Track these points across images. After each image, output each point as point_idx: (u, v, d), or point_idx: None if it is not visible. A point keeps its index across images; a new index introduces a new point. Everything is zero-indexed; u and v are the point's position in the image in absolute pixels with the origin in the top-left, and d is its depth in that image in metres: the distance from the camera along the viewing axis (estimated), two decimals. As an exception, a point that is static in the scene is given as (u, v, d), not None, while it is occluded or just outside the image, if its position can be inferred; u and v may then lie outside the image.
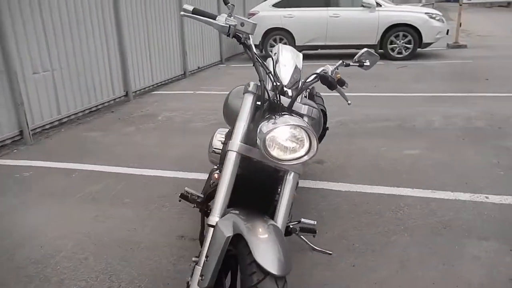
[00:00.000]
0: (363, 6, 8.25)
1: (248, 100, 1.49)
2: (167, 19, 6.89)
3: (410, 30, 8.11)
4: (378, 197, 2.76)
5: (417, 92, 5.58)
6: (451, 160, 3.30)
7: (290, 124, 1.35)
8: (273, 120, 1.42)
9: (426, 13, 8.23)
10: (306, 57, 9.04)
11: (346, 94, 1.86)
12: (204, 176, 3.20)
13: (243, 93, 1.53)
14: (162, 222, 2.60)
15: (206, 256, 1.34)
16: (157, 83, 6.71)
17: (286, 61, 1.61)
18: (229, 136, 1.88)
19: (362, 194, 2.80)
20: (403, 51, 8.28)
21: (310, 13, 8.62)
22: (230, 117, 1.82)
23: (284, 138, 1.38)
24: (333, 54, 9.41)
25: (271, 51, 1.77)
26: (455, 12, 11.02)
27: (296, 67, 1.59)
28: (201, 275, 1.33)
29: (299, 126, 1.35)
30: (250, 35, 1.59)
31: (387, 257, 2.11)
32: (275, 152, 1.40)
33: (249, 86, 1.49)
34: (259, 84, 1.49)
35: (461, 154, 3.40)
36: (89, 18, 5.08)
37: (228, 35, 1.58)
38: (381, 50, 8.40)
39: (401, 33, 8.18)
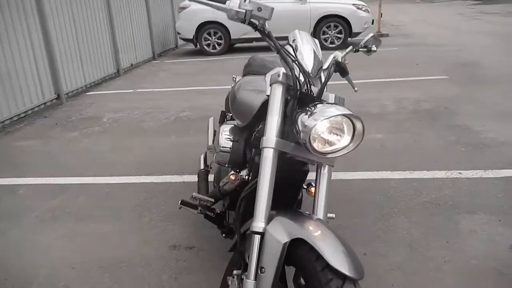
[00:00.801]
0: (295, -3, 8.39)
1: (278, 91, 1.35)
2: (95, 15, 6.32)
3: (340, 21, 8.44)
4: (361, 183, 2.78)
5: (362, 79, 5.79)
6: (414, 141, 3.45)
7: (340, 114, 1.24)
8: (311, 111, 1.30)
9: (353, 4, 8.61)
10: (241, 50, 8.99)
11: None
12: (178, 179, 2.98)
13: (270, 84, 1.38)
14: (146, 233, 2.34)
15: (261, 268, 1.18)
16: (90, 83, 6.15)
17: (307, 48, 1.49)
18: (237, 132, 1.73)
19: (344, 181, 2.80)
20: (335, 41, 8.59)
21: (243, 5, 8.52)
22: (240, 111, 1.66)
23: (331, 129, 1.27)
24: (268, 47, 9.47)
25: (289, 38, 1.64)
26: (371, 3, 11.70)
27: (315, 54, 1.48)
28: (261, 290, 1.18)
29: (349, 115, 1.24)
30: (267, 21, 1.44)
31: (394, 242, 2.11)
32: (318, 145, 1.29)
33: (279, 76, 1.35)
34: (288, 73, 1.35)
35: (422, 135, 3.57)
36: (9, 17, 4.44)
37: (243, 22, 1.42)
38: (315, 41, 8.63)
39: (332, 24, 8.47)
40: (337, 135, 1.30)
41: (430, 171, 2.87)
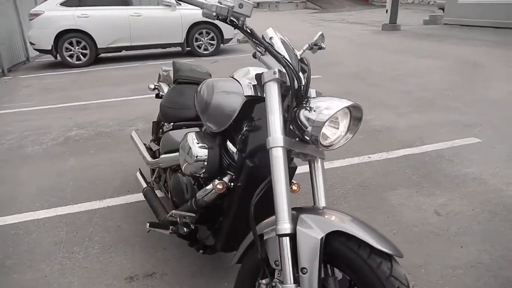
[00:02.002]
0: (164, 4, 8.19)
1: (274, 89, 1.32)
2: None
3: (211, 27, 8.58)
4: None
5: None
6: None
7: (350, 105, 1.29)
8: (311, 107, 1.32)
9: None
10: (111, 61, 8.38)
11: None
12: (99, 204, 2.64)
13: (263, 83, 1.34)
14: (90, 271, 2.02)
15: (302, 269, 1.15)
16: None
17: (285, 46, 1.50)
18: (210, 139, 1.63)
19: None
20: (209, 47, 8.70)
21: (108, 12, 7.95)
22: (217, 116, 1.56)
23: (344, 121, 1.32)
24: (140, 55, 9.06)
25: (263, 37, 1.59)
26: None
27: (292, 49, 1.50)
28: (306, 291, 1.14)
29: (355, 105, 1.30)
30: (247, 18, 1.41)
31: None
32: (325, 139, 1.32)
33: (275, 74, 1.32)
34: (282, 70, 1.35)
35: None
36: None
37: (224, 20, 1.36)
38: (189, 48, 8.60)
39: (204, 31, 8.56)
40: (334, 127, 1.35)
41: (345, 159, 3.18)
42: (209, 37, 8.64)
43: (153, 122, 2.57)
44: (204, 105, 1.59)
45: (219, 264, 2.02)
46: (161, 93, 2.48)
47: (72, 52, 7.91)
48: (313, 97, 1.39)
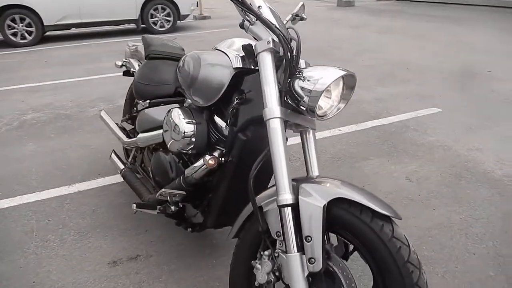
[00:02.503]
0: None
1: (268, 59, 1.29)
2: None
3: (167, 3, 8.25)
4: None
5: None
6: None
7: (347, 73, 1.29)
8: (305, 76, 1.31)
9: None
10: (61, 39, 7.87)
11: None
12: (68, 190, 2.51)
13: (256, 54, 1.31)
14: (68, 259, 1.93)
15: (306, 237, 1.17)
16: None
17: (274, 14, 1.45)
18: (196, 114, 1.59)
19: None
20: (165, 24, 8.39)
21: (54, -14, 7.40)
22: (205, 90, 1.50)
23: (336, 91, 1.32)
24: (91, 33, 8.57)
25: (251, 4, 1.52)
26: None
27: (280, 19, 1.47)
28: (311, 259, 1.16)
29: (349, 74, 1.30)
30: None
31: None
32: (319, 109, 1.32)
33: (269, 43, 1.29)
34: (275, 39, 1.31)
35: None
36: None
37: None
38: (144, 25, 8.24)
39: (159, 7, 8.22)
40: (327, 97, 1.36)
41: (317, 133, 3.21)
42: (165, 13, 8.32)
43: (127, 100, 2.45)
44: (190, 79, 1.53)
45: (206, 242, 2.01)
46: (132, 69, 2.36)
47: (15, 30, 7.32)
48: (304, 68, 1.38)
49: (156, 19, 8.28)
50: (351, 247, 1.27)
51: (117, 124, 2.38)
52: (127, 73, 2.50)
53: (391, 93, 4.12)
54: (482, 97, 3.96)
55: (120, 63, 2.53)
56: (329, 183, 1.25)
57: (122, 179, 2.53)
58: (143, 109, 2.04)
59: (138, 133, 2.08)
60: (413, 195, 2.34)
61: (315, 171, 1.42)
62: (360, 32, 7.73)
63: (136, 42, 2.52)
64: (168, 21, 8.39)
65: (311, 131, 1.47)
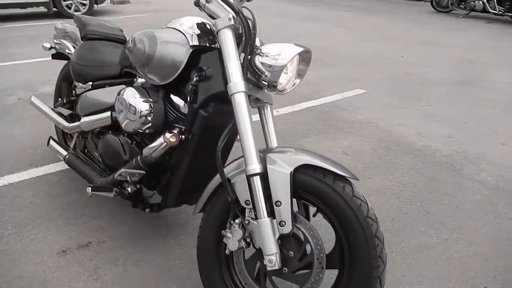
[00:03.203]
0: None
1: (230, 36, 1.32)
2: None
3: (82, -16, 7.70)
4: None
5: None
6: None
7: (306, 49, 1.37)
8: (264, 53, 1.37)
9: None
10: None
11: None
12: (1, 181, 2.30)
13: (217, 31, 1.33)
14: (10, 254, 1.79)
15: (276, 202, 1.24)
16: None
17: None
18: (152, 93, 1.57)
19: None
20: (80, 8, 7.83)
21: None
22: (161, 68, 1.47)
23: (291, 67, 1.39)
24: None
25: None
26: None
27: None
28: (281, 222, 1.23)
29: (306, 50, 1.39)
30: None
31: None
32: (280, 85, 1.39)
33: (230, 20, 1.32)
34: (235, 16, 1.35)
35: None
36: None
37: None
38: (56, 9, 7.61)
39: (74, -12, 7.64)
40: (285, 72, 1.44)
41: (255, 114, 3.30)
42: (80, -5, 7.76)
43: (60, 84, 2.29)
44: (146, 58, 1.50)
45: (160, 223, 1.99)
46: (67, 50, 2.21)
47: None
48: (260, 45, 1.44)
49: (70, 2, 7.69)
50: (313, 211, 1.38)
51: (52, 109, 2.22)
52: (58, 55, 2.34)
53: (320, 77, 4.36)
54: (399, 79, 4.37)
55: (48, 46, 2.35)
56: (292, 152, 1.33)
57: (60, 168, 2.40)
58: (84, 91, 1.95)
59: (79, 118, 1.98)
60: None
61: (274, 143, 1.50)
62: (283, 20, 7.97)
63: (65, 23, 2.36)
64: (84, 4, 7.84)
65: (268, 106, 1.55)
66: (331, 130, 3.07)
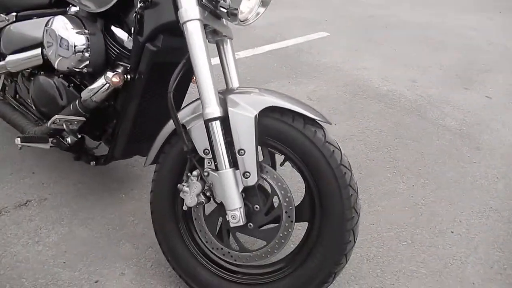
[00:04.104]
0: None
1: None
2: None
3: None
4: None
5: None
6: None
7: None
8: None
9: None
10: None
11: None
12: None
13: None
14: None
15: (239, 150, 1.08)
16: None
17: None
18: (88, 23, 1.31)
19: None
20: None
21: None
22: None
23: None
24: None
25: None
26: None
27: None
28: (246, 173, 1.09)
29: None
30: None
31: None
32: (242, 14, 1.18)
33: None
34: None
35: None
36: None
37: None
38: None
39: None
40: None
41: (214, 57, 3.05)
42: None
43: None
44: None
45: (110, 176, 1.80)
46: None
47: None
48: None
49: None
50: (280, 159, 1.25)
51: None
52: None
53: (282, 18, 4.10)
54: (362, 22, 4.21)
55: None
56: (257, 93, 1.16)
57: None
58: (7, 24, 1.63)
59: (4, 57, 1.67)
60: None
61: (235, 83, 1.32)
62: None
63: None
64: None
65: (228, 40, 1.35)
66: (295, 74, 2.90)
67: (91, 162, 1.50)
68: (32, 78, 1.56)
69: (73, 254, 1.42)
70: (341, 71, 3.01)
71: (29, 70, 1.62)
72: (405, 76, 3.00)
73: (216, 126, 1.08)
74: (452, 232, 1.61)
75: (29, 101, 1.69)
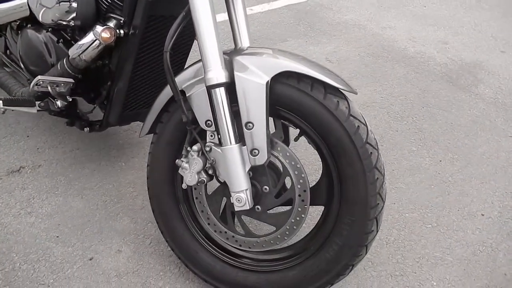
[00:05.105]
0: None
1: None
2: None
3: None
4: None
5: None
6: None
7: None
8: None
9: None
10: None
11: None
12: None
13: None
14: None
15: (247, 124, 0.92)
16: None
17: None
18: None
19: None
20: None
21: None
22: None
23: None
24: None
25: None
26: None
27: None
28: (254, 150, 0.93)
29: None
30: None
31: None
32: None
33: None
34: None
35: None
36: None
37: None
38: None
39: None
40: None
41: (224, 13, 2.82)
42: None
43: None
44: None
45: (109, 142, 1.66)
46: None
47: None
48: None
49: None
50: (294, 133, 1.09)
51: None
52: None
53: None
54: (389, -24, 3.85)
55: None
56: (269, 55, 0.98)
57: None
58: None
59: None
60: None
61: (245, 42, 1.12)
62: None
63: None
64: None
65: (238, -9, 1.14)
66: (313, 32, 2.66)
67: (85, 129, 1.36)
68: (20, 32, 1.40)
69: (67, 228, 1.32)
70: (364, 30, 2.75)
71: (17, 23, 1.45)
72: (435, 36, 2.72)
73: (221, 94, 0.91)
74: (482, 214, 1.45)
75: (19, 57, 1.53)
